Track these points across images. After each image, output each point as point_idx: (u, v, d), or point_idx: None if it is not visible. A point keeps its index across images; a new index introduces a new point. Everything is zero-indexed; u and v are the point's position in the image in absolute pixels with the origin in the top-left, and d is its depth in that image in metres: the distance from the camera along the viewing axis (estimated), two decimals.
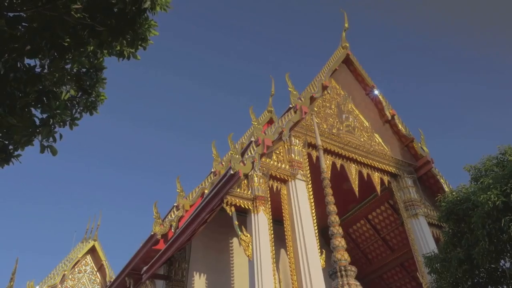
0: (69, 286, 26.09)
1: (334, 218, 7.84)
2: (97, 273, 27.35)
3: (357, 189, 13.13)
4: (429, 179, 14.66)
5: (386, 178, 14.17)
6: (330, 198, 8.36)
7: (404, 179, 14.24)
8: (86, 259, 27.49)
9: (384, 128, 15.05)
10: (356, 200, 15.12)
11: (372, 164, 13.83)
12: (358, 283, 6.91)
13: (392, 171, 14.22)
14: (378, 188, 13.83)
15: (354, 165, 13.53)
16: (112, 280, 18.86)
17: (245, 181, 11.12)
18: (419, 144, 14.85)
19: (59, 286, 25.82)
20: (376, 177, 13.92)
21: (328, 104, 14.16)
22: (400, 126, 15.00)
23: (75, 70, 3.47)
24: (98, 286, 26.80)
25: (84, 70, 3.53)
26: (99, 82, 3.55)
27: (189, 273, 13.43)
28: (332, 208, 8.07)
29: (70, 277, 26.47)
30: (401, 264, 16.34)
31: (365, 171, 13.69)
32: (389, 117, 15.03)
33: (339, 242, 7.41)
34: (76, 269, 26.97)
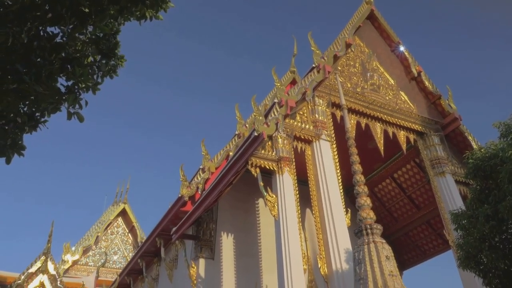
0: (103, 247, 27.22)
1: (359, 177, 7.82)
2: (129, 234, 28.40)
3: (382, 148, 13.02)
4: (456, 137, 14.39)
5: (412, 137, 13.98)
6: (355, 158, 8.32)
7: (430, 137, 14.02)
8: (117, 221, 28.52)
9: (410, 86, 14.70)
10: (382, 159, 15.02)
11: (398, 123, 13.63)
12: (384, 241, 6.95)
13: (418, 129, 13.99)
14: (404, 146, 13.67)
15: (379, 124, 13.36)
16: (143, 240, 19.56)
17: (269, 143, 11.16)
18: (447, 101, 14.49)
19: (94, 246, 26.98)
20: (401, 135, 13.74)
21: (352, 63, 13.87)
22: (427, 83, 14.62)
23: (93, 37, 3.48)
24: (130, 247, 27.87)
25: (101, 34, 3.54)
26: (116, 45, 3.56)
27: (217, 233, 13.79)
28: (357, 167, 8.05)
29: (103, 238, 27.60)
30: (427, 222, 16.36)
31: (390, 130, 13.52)
32: (415, 74, 14.64)
33: (365, 201, 7.42)
34: (109, 231, 28.06)
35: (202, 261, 13.28)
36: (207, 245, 13.58)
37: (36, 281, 11.49)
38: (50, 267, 11.77)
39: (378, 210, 16.29)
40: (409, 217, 16.63)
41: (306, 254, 10.60)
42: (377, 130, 13.25)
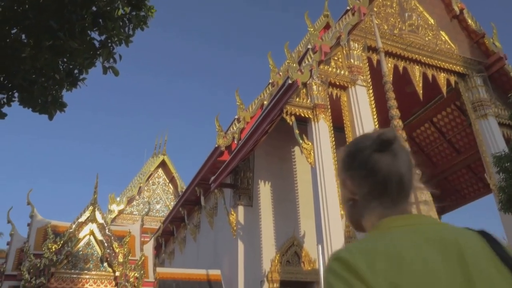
0: (145, 197, 28.36)
1: (397, 123, 7.67)
2: (169, 184, 29.37)
3: (421, 91, 12.61)
4: (501, 77, 13.72)
5: (453, 79, 13.43)
6: (393, 102, 8.13)
7: (472, 79, 13.43)
8: (158, 172, 29.46)
9: (451, 25, 13.95)
10: (420, 103, 14.60)
11: (438, 65, 13.08)
12: (422, 186, 6.90)
13: (460, 71, 13.41)
14: (444, 89, 13.19)
15: (417, 67, 12.88)
16: (183, 190, 20.21)
17: (304, 90, 11.02)
18: (491, 40, 13.71)
19: (137, 197, 28.14)
20: (442, 78, 13.23)
21: (388, 3, 13.22)
22: (469, 21, 13.82)
23: None
24: (172, 196, 28.90)
25: None
26: None
27: (254, 181, 14.05)
28: (395, 112, 7.88)
29: (145, 188, 28.69)
30: (468, 166, 16.03)
31: (429, 73, 13.02)
32: (457, 12, 13.84)
33: None
34: (150, 182, 29.09)
35: (241, 209, 13.65)
36: (245, 193, 13.89)
37: (86, 230, 12.15)
38: (98, 216, 12.38)
39: (417, 155, 16.03)
40: (449, 162, 16.33)
41: None
42: (416, 73, 12.80)
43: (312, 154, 10.52)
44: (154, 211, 27.96)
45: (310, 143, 10.66)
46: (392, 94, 8.40)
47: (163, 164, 29.53)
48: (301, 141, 10.65)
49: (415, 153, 15.93)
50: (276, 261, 13.08)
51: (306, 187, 13.13)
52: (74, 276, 11.58)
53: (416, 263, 0.86)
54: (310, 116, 10.84)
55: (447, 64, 13.19)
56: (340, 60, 11.75)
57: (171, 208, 22.27)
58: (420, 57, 12.79)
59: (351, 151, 1.09)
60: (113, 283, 11.75)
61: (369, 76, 11.82)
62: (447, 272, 0.86)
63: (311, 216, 11.18)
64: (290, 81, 10.55)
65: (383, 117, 10.77)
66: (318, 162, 10.29)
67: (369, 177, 1.03)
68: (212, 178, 14.07)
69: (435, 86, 13.23)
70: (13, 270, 11.55)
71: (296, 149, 14.65)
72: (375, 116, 11.36)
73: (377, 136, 1.08)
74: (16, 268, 11.61)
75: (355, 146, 1.09)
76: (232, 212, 13.69)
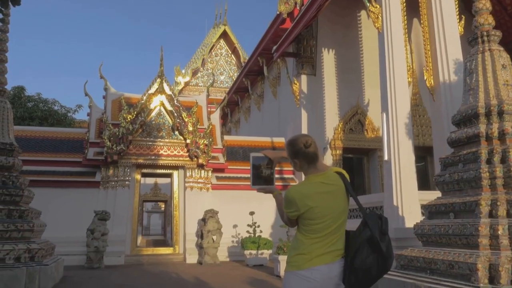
0: (209, 68, 28.77)
1: None
2: (232, 55, 29.34)
3: None
4: None
5: None
6: None
7: None
8: (220, 44, 29.32)
9: None
10: None
11: None
12: (501, 48, 6.30)
13: None
14: None
15: None
16: (246, 60, 20.18)
17: None
18: None
19: (201, 68, 28.63)
20: None
21: None
22: None
23: None
24: (235, 67, 29.08)
25: None
26: None
27: (318, 50, 13.66)
28: None
29: (209, 60, 28.96)
30: None
31: None
32: None
33: (483, 4, 6.55)
34: (213, 53, 29.20)
35: (304, 78, 13.55)
36: (308, 62, 13.63)
37: (156, 101, 12.75)
38: (166, 88, 12.85)
39: (498, 16, 14.50)
40: None
41: (411, 66, 10.21)
42: None
43: (380, 18, 9.85)
44: (218, 82, 28.53)
45: (378, 6, 9.92)
46: None
47: (224, 35, 29.21)
48: (368, 4, 9.93)
49: (497, 13, 14.41)
50: (339, 129, 13.25)
51: (372, 54, 12.60)
52: (149, 143, 12.53)
53: (314, 193, 2.16)
54: None
55: None
56: None
57: (234, 79, 22.57)
58: None
59: (294, 149, 2.26)
60: (185, 149, 12.63)
61: None
62: (328, 193, 2.17)
63: (376, 85, 10.91)
64: None
65: None
66: (386, 27, 9.66)
67: (305, 158, 2.23)
68: (275, 47, 13.81)
69: None
70: (96, 138, 12.67)
71: (363, 14, 13.78)
72: None
73: (305, 142, 2.22)
74: (98, 136, 12.71)
75: (295, 148, 2.25)
76: (295, 82, 13.64)
